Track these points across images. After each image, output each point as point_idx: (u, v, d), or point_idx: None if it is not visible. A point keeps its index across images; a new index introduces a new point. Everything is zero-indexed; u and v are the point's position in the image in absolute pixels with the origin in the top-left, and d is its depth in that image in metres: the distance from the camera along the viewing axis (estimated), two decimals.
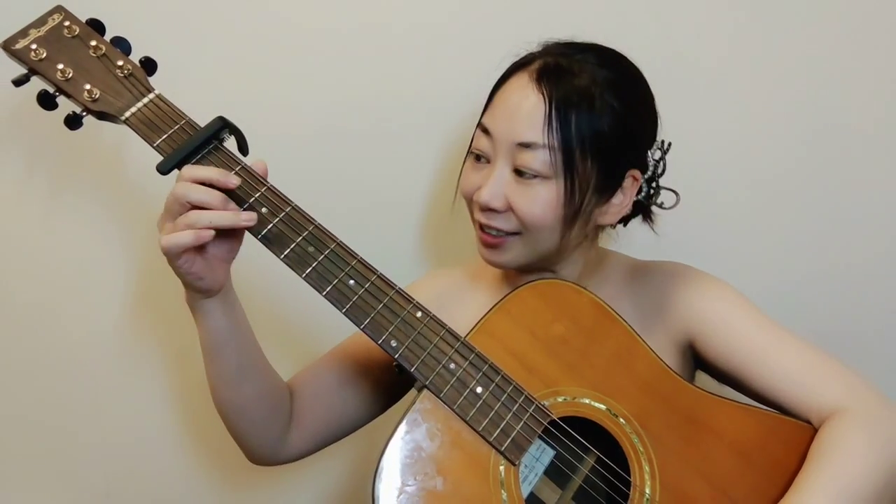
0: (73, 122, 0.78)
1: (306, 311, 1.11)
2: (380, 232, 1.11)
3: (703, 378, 0.87)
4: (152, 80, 0.79)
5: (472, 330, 0.75)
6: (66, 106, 0.79)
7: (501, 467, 0.71)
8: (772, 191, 1.11)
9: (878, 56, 1.07)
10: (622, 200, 0.82)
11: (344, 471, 1.19)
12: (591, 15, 1.04)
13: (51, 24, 0.79)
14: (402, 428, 0.71)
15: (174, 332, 1.12)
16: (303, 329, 1.12)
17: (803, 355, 0.78)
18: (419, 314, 0.74)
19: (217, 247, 0.73)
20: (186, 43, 1.03)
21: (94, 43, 0.79)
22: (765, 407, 0.78)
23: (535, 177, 0.77)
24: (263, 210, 0.74)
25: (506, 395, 0.73)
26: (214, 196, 0.70)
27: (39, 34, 0.79)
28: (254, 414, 0.81)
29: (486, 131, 0.80)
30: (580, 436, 0.74)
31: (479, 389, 0.72)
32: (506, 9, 1.06)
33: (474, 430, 0.71)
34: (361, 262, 0.74)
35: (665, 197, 0.87)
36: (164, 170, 0.73)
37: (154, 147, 0.75)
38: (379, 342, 0.73)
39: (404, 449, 0.70)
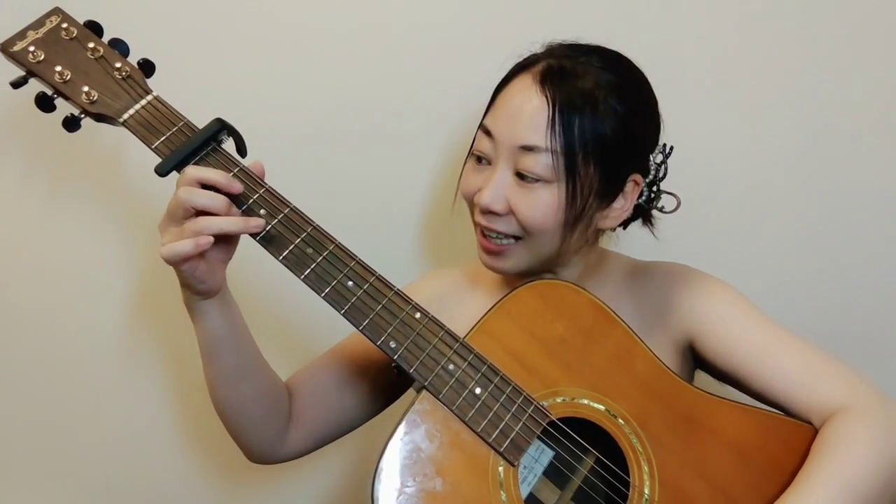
0: (71, 124, 0.78)
1: (305, 312, 1.11)
2: (379, 233, 1.11)
3: (702, 378, 0.87)
4: (150, 81, 0.79)
5: (471, 330, 0.75)
6: (64, 108, 0.79)
7: (500, 468, 0.71)
8: (772, 191, 1.11)
9: (878, 57, 1.07)
10: (623, 205, 0.82)
11: (343, 471, 1.19)
12: (594, 16, 1.04)
13: (49, 25, 0.79)
14: (401, 429, 0.71)
15: (173, 331, 1.12)
16: (302, 330, 1.12)
17: (803, 355, 0.78)
18: (418, 315, 0.74)
19: (216, 249, 0.73)
20: (185, 44, 1.03)
21: (92, 45, 0.79)
22: (764, 407, 0.78)
23: (536, 180, 0.77)
24: (262, 211, 0.74)
25: (505, 395, 0.73)
26: (219, 200, 0.71)
27: (37, 36, 0.79)
28: (252, 413, 0.82)
29: (487, 133, 0.79)
30: (579, 436, 0.74)
31: (477, 390, 0.72)
32: (507, 9, 1.05)
33: (473, 430, 0.71)
34: (360, 263, 0.74)
35: (665, 201, 0.87)
36: (162, 171, 0.73)
37: (152, 149, 0.75)
38: (378, 343, 0.73)
39: (403, 450, 0.70)
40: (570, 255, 0.83)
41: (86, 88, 0.77)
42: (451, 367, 0.73)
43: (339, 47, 1.06)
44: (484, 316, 0.76)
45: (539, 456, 0.76)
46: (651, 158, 0.84)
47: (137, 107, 0.77)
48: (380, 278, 0.74)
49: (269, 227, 0.73)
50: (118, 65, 0.78)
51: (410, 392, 0.86)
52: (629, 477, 0.73)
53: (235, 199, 0.73)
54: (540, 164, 0.76)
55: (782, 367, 0.77)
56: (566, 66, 0.78)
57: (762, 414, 0.76)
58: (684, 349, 0.84)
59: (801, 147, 1.09)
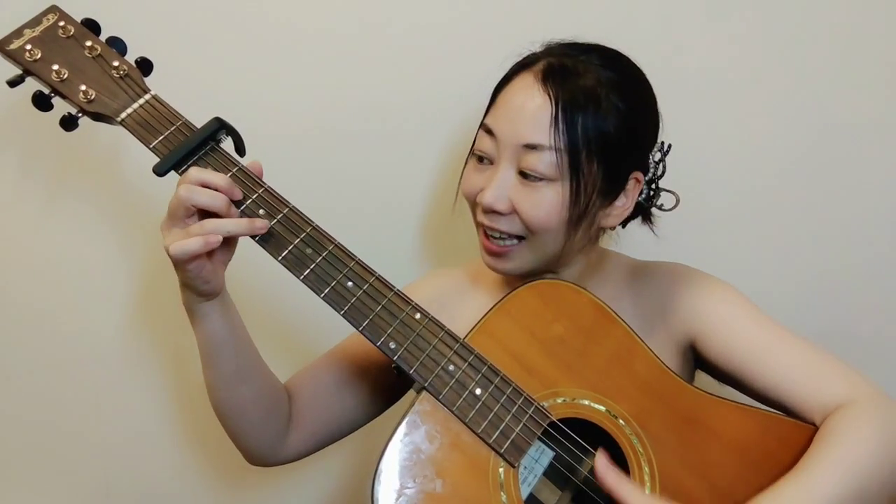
0: (68, 123, 0.78)
1: (304, 313, 1.11)
2: (379, 233, 1.10)
3: (703, 378, 0.87)
4: (148, 80, 0.79)
5: (471, 331, 0.75)
6: (61, 107, 0.78)
7: (501, 469, 0.71)
8: (772, 191, 1.11)
9: (878, 57, 1.07)
10: (625, 203, 0.82)
11: (343, 472, 1.19)
12: (593, 15, 1.04)
13: (45, 24, 0.79)
14: (401, 430, 0.71)
15: (172, 332, 1.12)
16: (301, 331, 1.12)
17: (805, 354, 0.78)
18: (418, 315, 0.73)
19: (219, 250, 0.73)
20: (183, 43, 1.03)
21: (89, 43, 0.78)
22: (765, 407, 0.78)
23: (540, 179, 0.76)
24: (261, 211, 0.74)
25: (505, 396, 0.73)
26: (220, 200, 0.70)
27: (34, 34, 0.78)
28: (252, 415, 0.81)
29: (489, 132, 0.79)
30: (580, 437, 0.74)
31: (478, 391, 0.72)
32: (507, 9, 1.05)
33: (473, 432, 0.71)
34: (360, 263, 0.74)
35: (664, 199, 0.87)
36: (160, 171, 0.73)
37: (150, 149, 0.75)
38: (378, 344, 0.72)
39: (403, 451, 0.70)
40: (573, 254, 0.83)
41: (83, 87, 0.76)
42: (451, 367, 0.72)
43: (338, 46, 1.06)
44: (484, 316, 0.76)
45: (539, 457, 0.76)
46: (651, 156, 0.84)
47: (135, 106, 0.76)
48: (379, 279, 0.74)
49: (269, 227, 0.73)
50: (116, 63, 0.78)
51: (411, 393, 0.86)
52: (629, 477, 0.72)
53: (235, 200, 0.73)
54: (543, 162, 0.76)
55: (783, 367, 0.77)
56: (567, 64, 0.78)
57: (762, 414, 0.76)
58: (685, 349, 0.84)
59: (802, 147, 1.09)
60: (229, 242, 0.74)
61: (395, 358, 0.72)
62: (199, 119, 0.76)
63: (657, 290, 0.85)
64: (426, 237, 1.14)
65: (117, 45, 0.80)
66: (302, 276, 0.72)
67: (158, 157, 0.74)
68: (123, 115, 0.76)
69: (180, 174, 0.73)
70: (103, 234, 1.09)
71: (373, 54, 1.06)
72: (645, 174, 0.83)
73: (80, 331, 1.11)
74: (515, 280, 0.86)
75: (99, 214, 1.08)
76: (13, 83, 0.78)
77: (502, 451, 0.71)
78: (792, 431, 0.75)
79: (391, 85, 1.07)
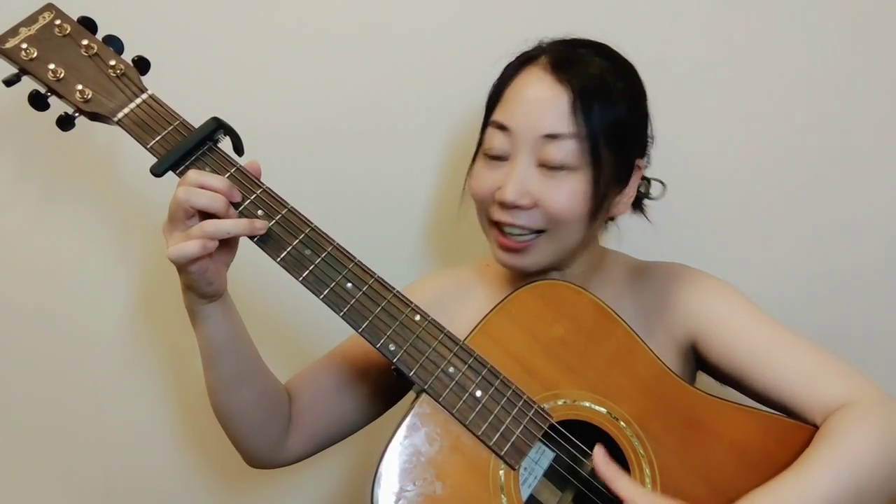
0: (65, 122, 0.77)
1: (303, 314, 1.10)
2: (379, 234, 1.10)
3: (703, 379, 0.87)
4: (145, 79, 0.78)
5: (471, 332, 0.75)
6: (58, 107, 0.78)
7: (501, 472, 0.71)
8: (773, 191, 1.10)
9: (877, 55, 1.06)
10: (630, 191, 0.83)
11: (342, 474, 1.19)
12: (592, 15, 1.03)
13: (41, 22, 0.78)
14: (401, 432, 0.70)
15: (172, 333, 1.11)
16: (300, 332, 1.12)
17: (806, 354, 0.77)
18: (417, 317, 0.73)
19: (221, 251, 0.73)
20: (181, 41, 1.02)
21: (85, 42, 0.78)
22: (765, 408, 0.78)
23: (562, 168, 0.76)
24: (259, 212, 0.73)
25: (505, 398, 0.72)
26: (218, 201, 0.70)
27: (30, 33, 0.77)
28: (252, 418, 0.81)
29: (502, 128, 0.79)
30: (580, 438, 0.74)
31: (478, 393, 0.72)
32: (508, 9, 1.04)
33: (474, 434, 0.71)
34: (359, 264, 0.73)
35: (654, 190, 0.88)
36: (158, 172, 0.73)
37: (147, 149, 0.74)
38: (377, 346, 0.72)
39: (403, 454, 0.70)
40: (581, 249, 0.83)
41: (79, 87, 0.76)
42: (451, 369, 0.72)
43: (337, 46, 1.05)
44: (484, 318, 0.76)
45: (539, 458, 0.76)
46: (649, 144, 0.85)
47: (132, 105, 0.76)
48: (379, 280, 0.73)
49: (267, 228, 0.73)
50: (112, 62, 0.77)
51: (410, 395, 0.86)
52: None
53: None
54: (564, 151, 0.76)
55: (785, 367, 0.77)
56: (571, 56, 0.79)
57: (763, 416, 0.76)
58: (686, 350, 0.84)
59: (802, 147, 1.09)
60: (230, 243, 0.74)
61: (394, 360, 0.72)
62: (196, 119, 0.76)
63: (658, 290, 0.85)
64: (426, 238, 1.13)
65: (114, 43, 0.79)
66: (301, 278, 0.72)
67: (156, 157, 0.74)
68: (120, 114, 0.75)
69: (178, 175, 0.73)
70: (101, 235, 1.08)
71: (371, 53, 1.05)
72: (642, 161, 0.84)
73: (80, 331, 1.11)
74: (517, 281, 0.86)
75: (96, 215, 1.08)
76: (9, 82, 0.78)
77: (502, 453, 0.71)
78: (793, 433, 0.74)
79: (390, 84, 1.06)
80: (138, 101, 0.76)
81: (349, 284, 0.72)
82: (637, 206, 0.89)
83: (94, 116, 0.77)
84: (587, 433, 0.74)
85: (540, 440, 0.73)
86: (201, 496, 1.18)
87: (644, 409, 0.74)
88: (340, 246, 0.74)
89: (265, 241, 0.73)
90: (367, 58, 1.05)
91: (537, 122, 0.76)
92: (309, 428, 0.86)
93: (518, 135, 0.77)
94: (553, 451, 0.76)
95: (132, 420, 1.14)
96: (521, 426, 0.72)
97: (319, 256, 0.73)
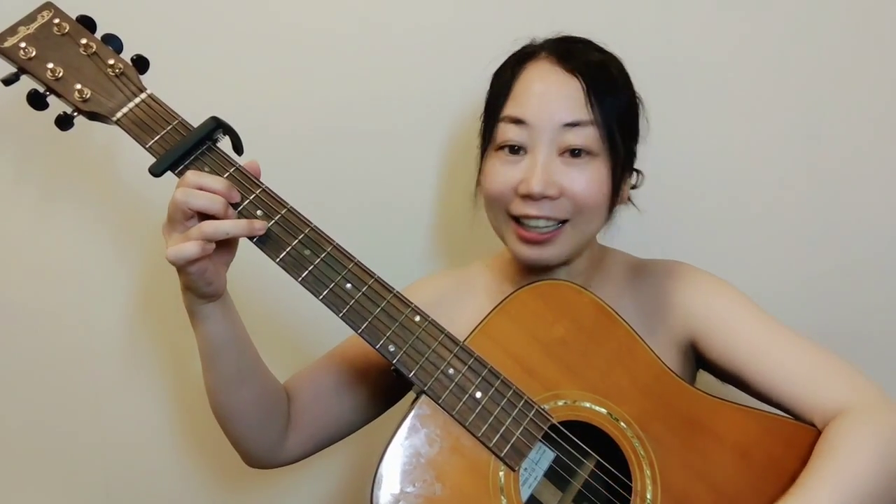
0: (63, 122, 0.77)
1: (303, 315, 1.10)
2: (379, 234, 1.10)
3: (705, 378, 0.87)
4: (144, 78, 0.78)
5: (471, 333, 0.75)
6: (56, 106, 0.78)
7: (501, 473, 0.71)
8: (773, 190, 1.10)
9: (877, 54, 1.06)
10: (631, 179, 0.85)
11: (342, 475, 1.19)
12: (592, 15, 1.03)
13: (40, 21, 0.78)
14: (401, 433, 0.70)
15: (172, 332, 1.11)
16: (300, 332, 1.12)
17: (806, 354, 0.77)
18: (417, 318, 0.73)
19: (221, 251, 0.72)
20: (180, 40, 1.02)
21: (84, 41, 0.77)
22: (766, 408, 0.77)
23: (586, 154, 0.78)
24: (258, 212, 0.73)
25: (505, 399, 0.72)
26: (217, 202, 0.70)
27: (28, 32, 0.77)
28: (251, 418, 0.81)
29: (517, 122, 0.79)
30: (581, 438, 0.74)
31: (478, 394, 0.72)
32: (509, 9, 1.04)
33: (474, 435, 0.71)
34: (358, 265, 0.73)
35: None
36: (156, 171, 0.72)
37: (146, 148, 0.74)
38: (377, 347, 0.72)
39: (403, 455, 0.69)
40: (586, 244, 0.84)
41: (78, 86, 0.75)
42: (451, 371, 0.72)
43: (337, 44, 1.05)
44: (485, 318, 0.76)
45: (540, 458, 0.76)
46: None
47: (131, 105, 0.75)
48: (379, 280, 0.73)
49: (266, 228, 0.72)
50: (111, 61, 0.77)
51: (410, 395, 0.85)
52: (631, 481, 0.72)
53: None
54: (586, 137, 0.77)
55: (785, 368, 0.77)
56: (571, 49, 0.80)
57: (764, 416, 0.75)
58: (686, 349, 0.84)
59: (803, 146, 1.09)
60: (230, 243, 0.74)
61: (394, 361, 0.72)
62: (195, 118, 0.75)
63: (657, 289, 0.85)
64: (426, 238, 1.13)
65: (113, 42, 0.79)
66: (300, 278, 0.72)
67: (155, 157, 0.73)
68: (119, 114, 0.75)
69: (177, 175, 0.73)
70: (100, 235, 1.08)
71: (372, 52, 1.05)
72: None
73: (79, 331, 1.11)
74: (517, 281, 0.86)
75: (95, 215, 1.07)
76: (7, 81, 0.77)
77: (503, 454, 0.71)
78: (794, 433, 0.74)
79: (389, 83, 1.06)
80: (137, 100, 0.76)
81: (349, 285, 0.72)
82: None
83: (92, 116, 0.77)
84: (588, 434, 0.74)
85: (540, 441, 0.73)
86: (201, 496, 1.18)
87: (645, 410, 0.74)
88: (340, 246, 0.73)
89: (264, 242, 0.72)
90: (367, 56, 1.05)
91: (555, 113, 0.77)
92: (308, 428, 0.85)
93: (536, 127, 0.78)
94: (553, 451, 0.75)
95: (132, 420, 1.14)
96: (522, 427, 0.71)
97: (319, 257, 0.72)
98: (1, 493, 1.14)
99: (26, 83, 0.77)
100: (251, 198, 0.73)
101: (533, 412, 0.72)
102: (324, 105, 1.06)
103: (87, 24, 0.79)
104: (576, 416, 0.73)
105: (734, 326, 0.80)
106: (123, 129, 0.75)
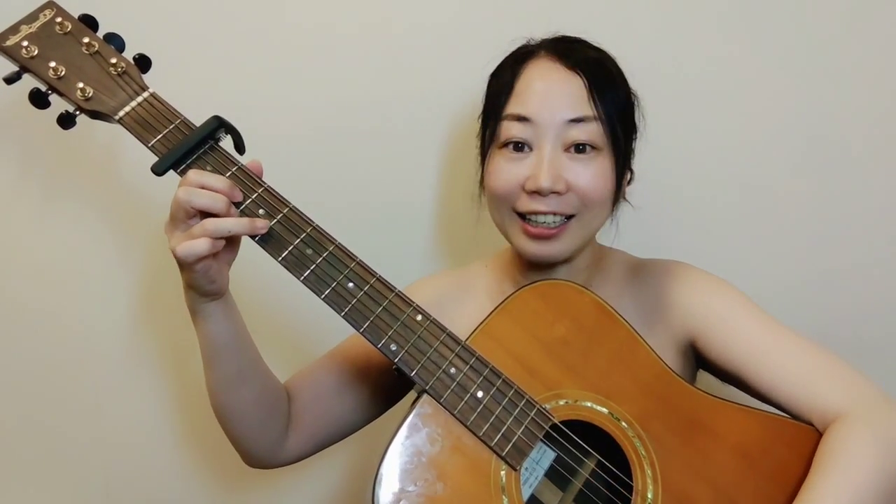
0: (66, 121, 0.77)
1: (305, 314, 1.10)
2: (381, 233, 1.10)
3: (705, 378, 0.87)
4: (146, 77, 0.78)
5: (473, 332, 0.75)
6: (58, 105, 0.78)
7: (502, 472, 0.71)
8: (773, 191, 1.10)
9: (877, 54, 1.06)
10: (629, 174, 0.86)
11: (343, 474, 1.19)
12: (592, 14, 1.03)
13: (42, 20, 0.78)
14: (402, 433, 0.70)
15: (172, 332, 1.11)
16: (301, 332, 1.12)
17: (806, 354, 0.77)
18: (419, 317, 0.73)
19: (223, 250, 0.72)
20: (182, 39, 1.02)
21: (86, 40, 0.77)
22: (767, 408, 0.77)
23: (590, 149, 0.79)
24: (261, 211, 0.73)
25: (507, 399, 0.72)
26: (219, 201, 0.70)
27: (31, 31, 0.77)
28: (252, 418, 0.81)
29: (520, 119, 0.79)
30: (582, 438, 0.74)
31: (479, 394, 0.72)
32: (510, 8, 1.04)
33: (475, 434, 0.71)
34: (360, 264, 0.73)
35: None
36: (159, 170, 0.72)
37: (149, 147, 0.74)
38: (378, 346, 0.72)
39: (404, 454, 0.69)
40: (587, 243, 0.84)
41: (80, 85, 0.75)
42: (452, 370, 0.72)
43: (339, 43, 1.05)
44: (486, 318, 0.76)
45: (540, 458, 0.76)
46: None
47: (133, 104, 0.75)
48: (380, 280, 0.73)
49: (268, 227, 0.72)
50: (113, 60, 0.77)
51: (411, 394, 0.85)
52: (632, 480, 0.72)
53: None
54: (589, 132, 0.78)
55: (785, 368, 0.77)
56: (570, 47, 0.81)
57: (765, 416, 0.76)
58: (686, 348, 0.84)
59: (803, 146, 1.09)
60: (233, 242, 0.74)
61: (396, 360, 0.72)
62: (197, 117, 0.75)
63: (657, 288, 0.85)
64: (428, 237, 1.13)
65: (115, 41, 0.79)
66: (302, 277, 0.72)
67: (157, 155, 0.73)
68: (121, 113, 0.75)
69: (179, 174, 0.73)
70: (101, 234, 1.08)
71: (373, 52, 1.05)
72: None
73: (80, 330, 1.11)
74: (518, 281, 0.86)
75: (97, 213, 1.07)
76: (9, 80, 0.77)
77: (504, 454, 0.71)
78: (795, 433, 0.74)
79: (391, 83, 1.06)
80: (139, 99, 0.76)
81: (350, 284, 0.72)
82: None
83: (94, 115, 0.77)
84: (589, 433, 0.74)
85: (541, 440, 0.73)
86: (201, 496, 1.18)
87: (645, 410, 0.74)
88: (342, 245, 0.73)
89: (266, 241, 0.72)
90: (369, 56, 1.05)
91: (559, 109, 0.78)
92: (308, 428, 0.85)
93: (541, 124, 0.78)
94: (554, 451, 0.76)
95: (132, 420, 1.14)
96: (523, 426, 0.71)
97: (321, 256, 0.72)
98: (1, 492, 1.14)
99: (28, 82, 0.77)
100: (253, 197, 0.73)
101: (534, 411, 0.72)
102: (325, 105, 1.06)
103: (90, 23, 0.79)
104: (577, 416, 0.73)
105: (733, 326, 0.80)
106: (126, 127, 0.75)
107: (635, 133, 0.85)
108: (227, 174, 0.73)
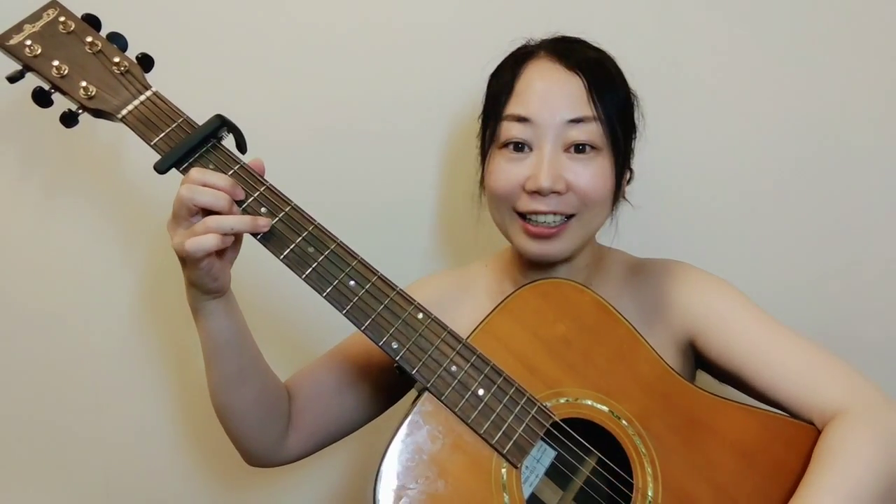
0: (69, 119, 0.77)
1: (306, 312, 1.10)
2: (382, 231, 1.10)
3: (704, 378, 0.87)
4: (149, 76, 0.78)
5: (474, 331, 0.75)
6: (61, 103, 0.78)
7: (503, 470, 0.71)
8: (773, 191, 1.11)
9: (877, 54, 1.07)
10: (628, 174, 0.86)
11: (344, 472, 1.19)
12: (592, 14, 1.03)
13: (45, 19, 0.78)
14: (403, 430, 0.70)
15: (173, 331, 1.11)
16: (302, 330, 1.12)
17: (805, 354, 0.77)
18: (420, 315, 0.73)
19: (227, 247, 0.73)
20: (184, 39, 1.02)
21: (89, 39, 0.78)
22: (766, 407, 0.78)
23: (590, 149, 0.79)
24: (262, 210, 0.73)
25: (508, 397, 0.72)
26: (221, 198, 0.70)
27: (34, 30, 0.78)
28: (253, 417, 0.81)
29: (520, 119, 0.80)
30: (582, 436, 0.74)
31: (480, 392, 0.72)
32: (510, 8, 1.05)
33: (476, 432, 0.71)
34: (362, 262, 0.73)
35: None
36: (161, 169, 0.73)
37: (151, 146, 0.74)
38: (380, 344, 0.72)
39: (405, 452, 0.70)
40: (587, 242, 0.85)
41: (83, 83, 0.76)
42: (453, 368, 0.72)
43: (341, 43, 1.05)
44: (487, 316, 0.76)
45: (541, 456, 0.76)
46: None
47: (136, 102, 0.76)
48: (382, 278, 0.73)
49: (270, 225, 0.72)
50: (116, 59, 0.77)
51: (412, 393, 0.86)
52: (632, 478, 0.72)
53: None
54: (589, 132, 0.79)
55: (784, 367, 0.77)
56: (569, 48, 0.82)
57: (765, 415, 0.76)
58: (685, 348, 0.84)
59: (803, 146, 1.09)
60: (235, 240, 0.74)
61: (397, 358, 0.72)
62: (200, 116, 0.76)
63: (657, 288, 0.85)
64: (428, 237, 1.13)
65: (118, 40, 0.79)
66: (304, 276, 0.72)
67: (159, 154, 0.74)
68: (124, 111, 0.75)
69: (182, 172, 0.73)
70: (104, 232, 1.08)
71: (374, 52, 1.05)
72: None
73: (81, 329, 1.11)
74: (519, 280, 0.86)
75: (99, 212, 1.08)
76: (13, 79, 0.78)
77: (505, 451, 0.71)
78: (795, 432, 0.75)
79: (391, 82, 1.06)
80: (142, 98, 0.76)
81: (352, 282, 0.72)
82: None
83: (97, 113, 0.77)
84: (589, 432, 0.74)
85: (542, 438, 0.73)
86: (201, 496, 1.18)
87: (646, 408, 0.74)
88: (343, 244, 0.74)
89: (268, 239, 0.73)
90: (370, 55, 1.06)
91: (559, 109, 0.78)
92: (309, 426, 0.85)
93: (540, 124, 0.79)
94: (555, 449, 0.76)
95: (132, 420, 1.14)
96: (524, 424, 0.72)
97: (322, 254, 0.73)
98: (1, 492, 1.14)
99: (31, 80, 0.78)
100: (255, 195, 0.73)
101: (535, 409, 0.72)
102: (327, 104, 1.07)
103: (93, 22, 0.80)
104: (577, 414, 0.73)
105: (733, 326, 0.80)
106: (128, 126, 0.75)
107: (635, 133, 0.86)
108: (230, 172, 0.74)
